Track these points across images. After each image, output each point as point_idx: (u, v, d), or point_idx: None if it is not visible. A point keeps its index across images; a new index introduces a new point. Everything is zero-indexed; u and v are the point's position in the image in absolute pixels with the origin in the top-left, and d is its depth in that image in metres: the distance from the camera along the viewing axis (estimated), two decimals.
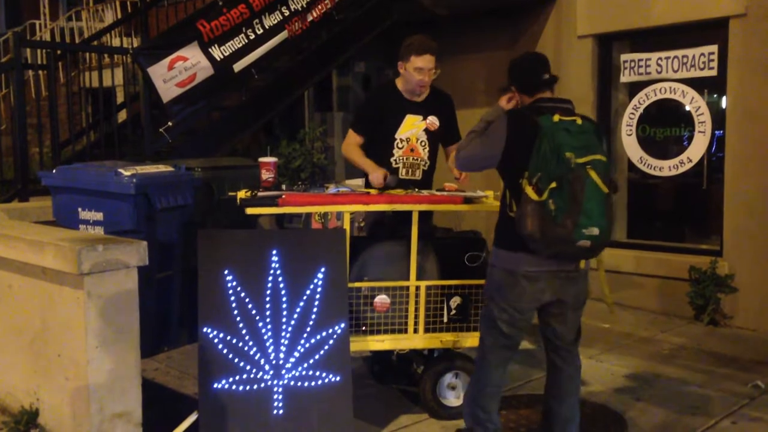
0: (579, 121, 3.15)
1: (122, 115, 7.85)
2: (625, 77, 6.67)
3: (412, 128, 4.35)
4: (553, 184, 3.02)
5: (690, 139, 6.29)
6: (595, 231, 3.01)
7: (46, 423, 3.82)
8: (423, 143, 4.35)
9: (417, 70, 4.22)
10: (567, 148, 3.03)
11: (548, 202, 3.02)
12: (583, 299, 3.43)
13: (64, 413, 3.66)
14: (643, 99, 6.48)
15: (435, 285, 3.98)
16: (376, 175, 4.15)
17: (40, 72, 7.90)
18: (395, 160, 4.32)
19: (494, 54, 7.62)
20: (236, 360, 3.52)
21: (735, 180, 6.00)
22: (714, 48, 6.08)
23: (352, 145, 4.42)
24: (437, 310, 4.00)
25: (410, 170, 4.35)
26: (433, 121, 4.36)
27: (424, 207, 3.91)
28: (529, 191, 3.07)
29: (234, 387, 3.51)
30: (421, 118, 4.36)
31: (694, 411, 4.22)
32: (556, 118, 3.11)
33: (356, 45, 7.49)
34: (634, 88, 6.65)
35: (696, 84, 6.22)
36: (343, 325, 3.59)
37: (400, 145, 4.34)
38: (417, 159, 4.35)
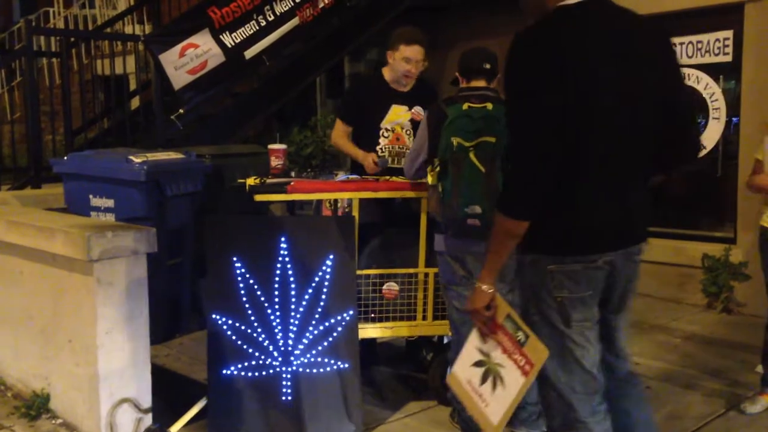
0: (489, 107, 3.28)
1: (135, 103, 7.87)
2: None
3: (398, 118, 4.36)
4: (438, 168, 3.28)
5: (704, 125, 6.22)
6: (477, 209, 3.17)
7: (57, 408, 3.86)
8: (409, 133, 4.36)
9: (405, 60, 4.22)
10: (459, 133, 3.24)
11: (439, 185, 3.27)
12: (511, 277, 3.49)
13: (74, 398, 3.69)
14: None
15: None
16: (367, 162, 4.19)
17: (54, 60, 7.94)
18: (381, 149, 4.33)
19: (506, 38, 7.41)
20: (245, 346, 3.53)
21: (749, 167, 5.93)
22: (729, 33, 6.00)
23: (340, 134, 4.47)
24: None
25: (396, 159, 4.36)
26: (418, 111, 4.36)
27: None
28: (429, 177, 3.35)
29: (243, 373, 3.52)
30: (406, 108, 4.37)
31: (706, 399, 4.19)
32: (465, 106, 3.31)
33: (368, 31, 7.44)
34: None
35: (711, 70, 6.14)
36: (351, 312, 3.60)
37: (385, 135, 4.35)
38: (403, 148, 4.36)
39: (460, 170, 3.19)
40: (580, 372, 2.41)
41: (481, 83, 3.45)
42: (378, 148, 4.32)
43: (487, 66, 3.46)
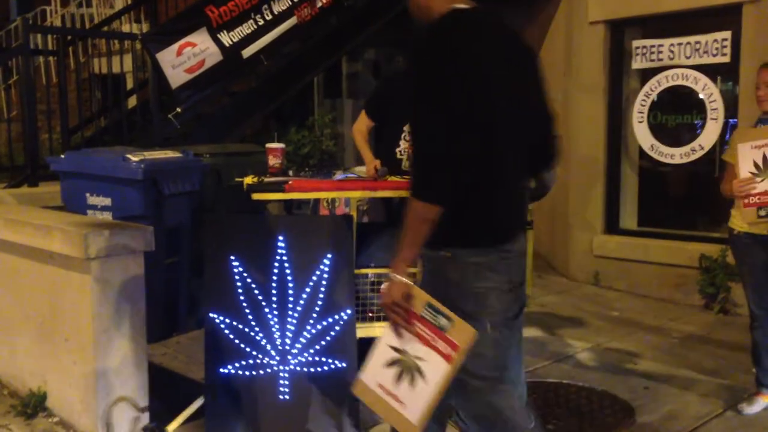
0: None
1: (132, 101, 7.85)
2: (637, 64, 6.60)
3: None
4: None
5: (702, 126, 6.22)
6: None
7: (54, 406, 3.85)
8: None
9: None
10: None
11: None
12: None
13: (71, 397, 3.68)
14: (654, 86, 6.41)
15: None
16: (369, 167, 4.19)
17: (51, 58, 7.91)
18: (400, 151, 4.30)
19: None
20: (242, 345, 3.52)
21: None
22: (727, 34, 6.00)
23: (360, 128, 4.42)
24: None
25: None
26: None
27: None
28: None
29: (240, 372, 3.51)
30: None
31: (703, 399, 4.19)
32: None
33: (366, 31, 7.44)
34: (646, 74, 6.58)
35: (708, 70, 6.14)
36: (349, 312, 3.59)
37: (407, 138, 4.31)
38: None
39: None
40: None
41: None
42: (398, 150, 4.29)
43: None
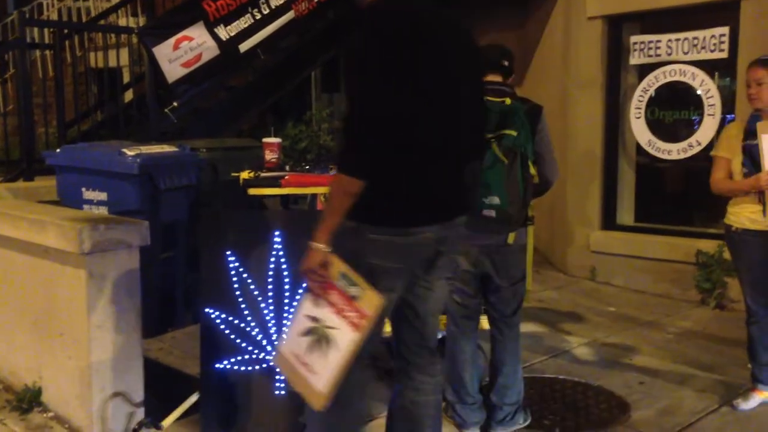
0: (508, 102, 3.33)
1: (128, 96, 7.83)
2: (635, 59, 6.59)
3: None
4: None
5: (699, 122, 6.21)
6: (496, 200, 3.19)
7: (49, 401, 3.84)
8: None
9: None
10: None
11: None
12: (516, 274, 3.56)
13: (66, 392, 3.68)
14: (652, 81, 6.40)
15: None
16: None
17: (47, 52, 7.89)
18: None
19: (503, 35, 7.54)
20: (238, 340, 3.52)
21: None
22: (725, 30, 5.99)
23: None
24: None
25: None
26: None
27: None
28: None
29: (236, 367, 3.51)
30: None
31: (699, 395, 4.20)
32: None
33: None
34: (644, 70, 6.57)
35: (706, 66, 6.13)
36: None
37: None
38: None
39: (483, 160, 3.20)
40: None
41: (497, 79, 3.47)
42: None
43: (505, 63, 3.51)
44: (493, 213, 3.21)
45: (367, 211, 2.46)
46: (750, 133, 3.86)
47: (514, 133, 3.24)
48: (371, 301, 2.40)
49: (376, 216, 2.49)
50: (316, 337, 2.48)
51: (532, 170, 3.35)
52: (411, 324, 2.79)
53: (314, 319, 2.50)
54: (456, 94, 2.58)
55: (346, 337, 2.42)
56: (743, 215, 3.89)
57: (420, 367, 2.81)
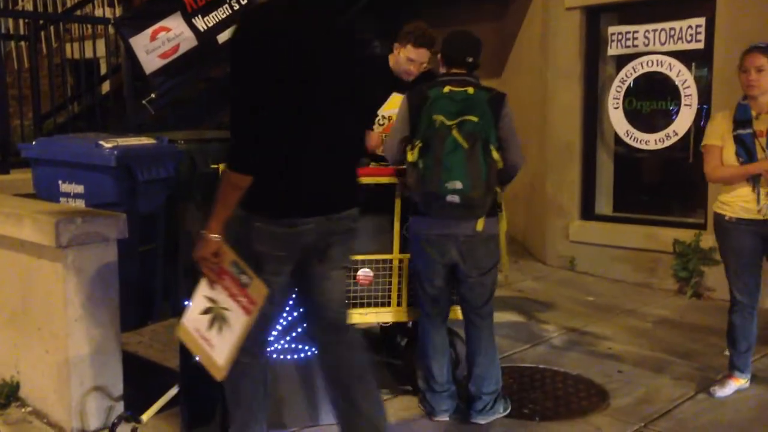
0: (471, 91, 3.41)
1: (105, 87, 7.74)
2: (613, 50, 6.62)
3: (397, 107, 4.30)
4: (420, 144, 3.37)
5: (677, 112, 6.27)
6: (458, 185, 3.26)
7: (27, 396, 3.81)
8: None
9: (409, 60, 4.16)
10: (440, 112, 3.35)
11: (419, 162, 3.35)
12: (485, 265, 3.56)
13: (44, 386, 3.65)
14: (630, 72, 6.45)
15: None
16: None
17: (22, 43, 7.80)
18: None
19: (481, 26, 7.51)
20: None
21: None
22: (701, 20, 6.04)
23: None
24: None
25: None
26: None
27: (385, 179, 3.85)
28: (409, 155, 3.41)
29: None
30: None
31: (676, 382, 4.25)
32: (447, 89, 3.42)
33: (343, 16, 7.36)
34: (622, 60, 6.61)
35: (683, 57, 6.19)
36: None
37: (381, 122, 4.30)
38: None
39: (443, 146, 3.28)
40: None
41: (462, 71, 3.54)
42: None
43: (470, 60, 3.54)
44: (456, 198, 3.27)
45: (253, 202, 2.66)
46: (740, 123, 3.86)
47: (475, 119, 3.31)
48: (259, 290, 2.66)
49: (260, 207, 2.68)
50: (213, 316, 2.73)
51: (496, 155, 3.36)
52: (313, 312, 2.98)
53: (211, 300, 2.73)
54: (323, 92, 2.70)
55: (239, 320, 2.69)
56: (737, 204, 3.90)
57: (328, 345, 3.00)
